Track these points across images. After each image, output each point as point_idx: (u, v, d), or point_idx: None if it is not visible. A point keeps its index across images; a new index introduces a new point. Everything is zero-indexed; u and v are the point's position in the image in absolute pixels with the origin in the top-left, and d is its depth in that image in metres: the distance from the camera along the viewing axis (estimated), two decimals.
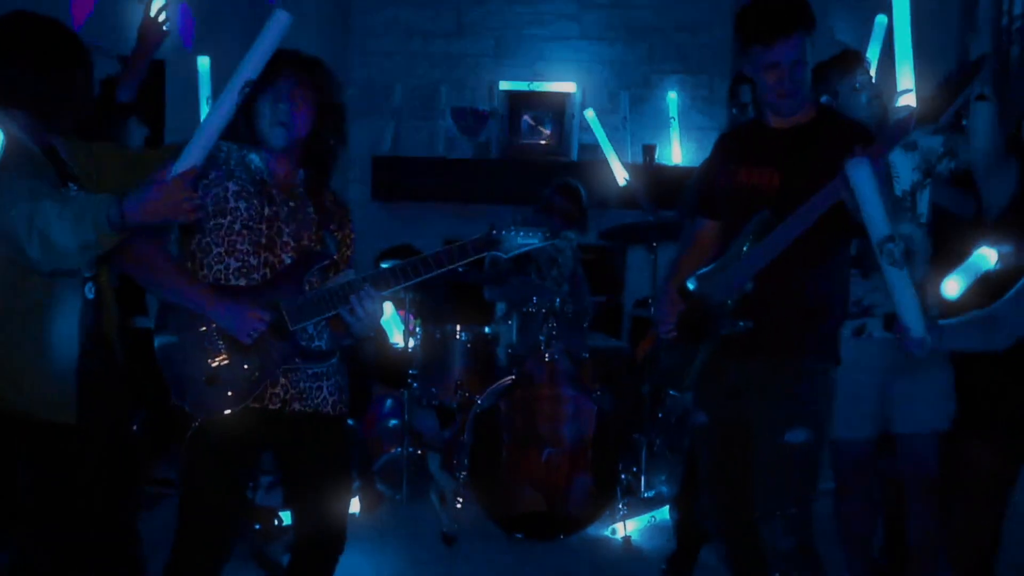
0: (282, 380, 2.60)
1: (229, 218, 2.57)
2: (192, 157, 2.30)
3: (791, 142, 2.70)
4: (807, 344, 2.71)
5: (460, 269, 2.56)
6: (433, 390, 4.66)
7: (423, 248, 5.93)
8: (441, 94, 6.36)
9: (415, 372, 4.66)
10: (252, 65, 2.30)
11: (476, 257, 2.55)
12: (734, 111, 3.82)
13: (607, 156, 5.02)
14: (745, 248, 2.67)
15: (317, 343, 2.66)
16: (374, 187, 6.29)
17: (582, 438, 4.17)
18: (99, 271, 2.63)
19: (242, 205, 2.58)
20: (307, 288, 2.58)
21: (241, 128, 2.61)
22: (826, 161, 2.55)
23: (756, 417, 2.71)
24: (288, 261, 2.57)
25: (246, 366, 2.52)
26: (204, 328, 2.53)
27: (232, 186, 2.58)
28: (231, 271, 2.56)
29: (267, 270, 2.56)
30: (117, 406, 2.65)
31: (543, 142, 6.27)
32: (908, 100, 3.06)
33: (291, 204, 2.64)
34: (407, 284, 2.55)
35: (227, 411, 2.52)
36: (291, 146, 2.61)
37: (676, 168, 6.17)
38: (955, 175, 3.19)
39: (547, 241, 2.60)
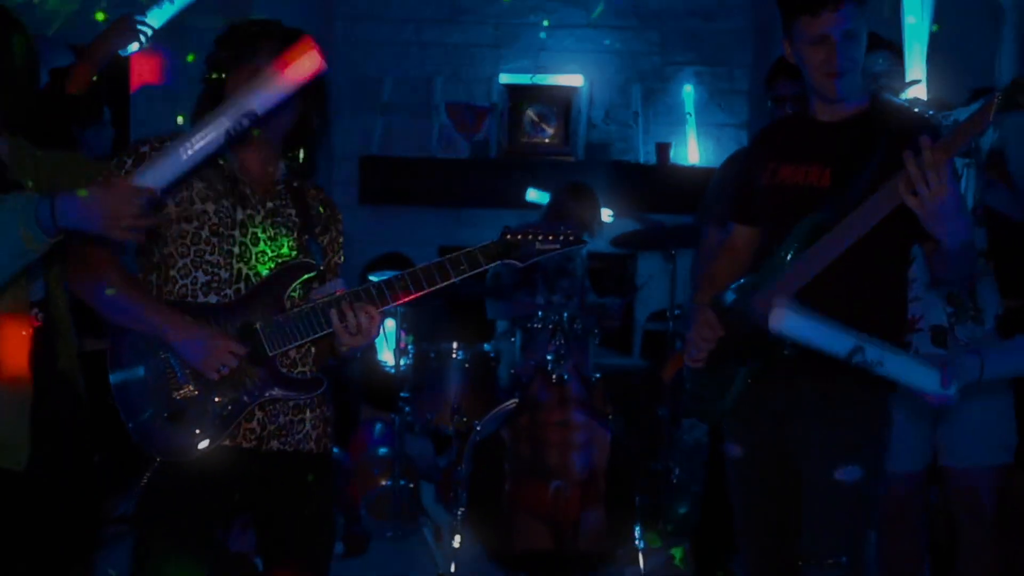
0: (258, 414, 2.44)
1: (196, 223, 2.40)
2: (154, 178, 2.16)
3: (843, 136, 2.58)
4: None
5: (457, 280, 2.42)
6: (427, 415, 4.57)
7: (415, 257, 6.09)
8: (435, 88, 6.33)
9: (407, 395, 4.58)
10: (262, 97, 2.17)
11: (489, 267, 2.42)
12: (769, 104, 3.70)
13: None
14: (789, 257, 2.54)
15: (300, 369, 2.51)
16: (362, 190, 6.25)
17: (594, 468, 4.09)
18: (51, 294, 2.48)
19: (210, 208, 2.42)
20: (288, 305, 2.43)
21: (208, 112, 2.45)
22: (884, 157, 2.45)
23: (802, 451, 2.60)
24: (265, 273, 2.43)
25: (217, 399, 2.37)
26: (165, 354, 2.37)
27: (199, 185, 2.42)
28: (199, 286, 2.40)
29: (241, 284, 2.41)
30: (78, 449, 2.50)
31: (547, 140, 6.24)
32: (918, 92, 3.01)
33: (269, 205, 2.50)
34: (410, 299, 2.40)
35: (195, 454, 2.36)
36: (270, 133, 2.46)
37: (693, 169, 6.14)
38: (993, 153, 3.15)
39: (571, 247, 2.46)
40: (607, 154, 6.29)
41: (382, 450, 4.82)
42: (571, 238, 2.46)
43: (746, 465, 2.72)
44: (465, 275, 2.39)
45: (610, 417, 4.27)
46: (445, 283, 2.39)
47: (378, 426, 4.97)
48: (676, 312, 4.56)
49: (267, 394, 2.41)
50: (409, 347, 4.66)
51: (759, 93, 5.76)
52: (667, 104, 6.33)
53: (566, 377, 4.16)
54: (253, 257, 2.43)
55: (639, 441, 4.62)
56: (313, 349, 2.53)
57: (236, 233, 2.42)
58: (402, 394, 4.59)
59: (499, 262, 2.41)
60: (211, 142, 2.17)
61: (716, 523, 3.78)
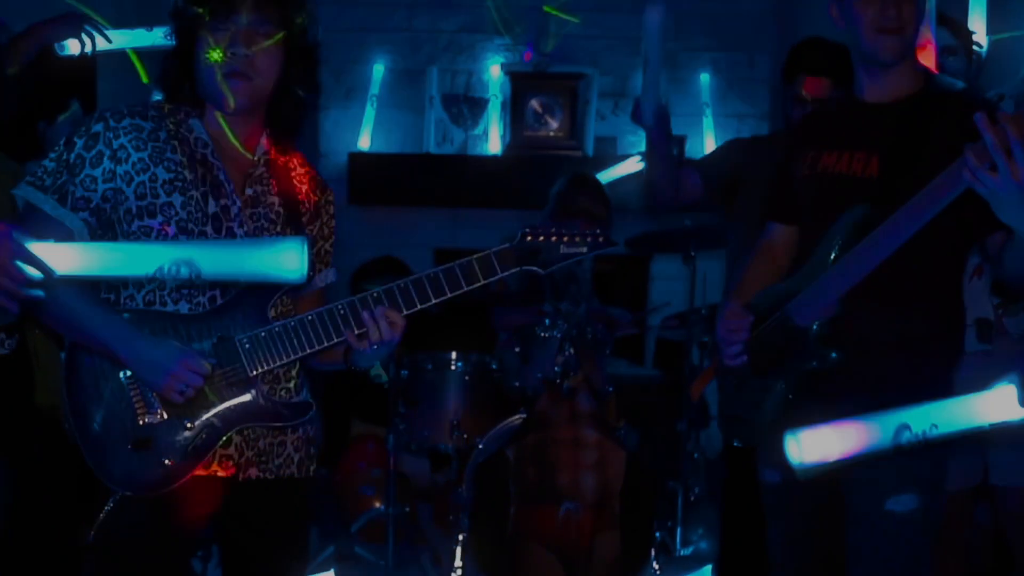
0: (236, 439, 2.31)
1: (160, 219, 2.24)
2: (62, 260, 1.98)
3: (893, 119, 2.49)
4: (915, 382, 2.46)
5: (466, 289, 2.30)
6: (424, 432, 4.48)
7: (409, 261, 5.98)
8: (430, 78, 6.32)
9: (401, 410, 4.51)
10: None
11: (506, 275, 2.29)
12: (793, 109, 3.55)
13: None
14: (833, 256, 2.44)
15: (285, 386, 2.38)
16: (350, 189, 6.21)
17: (608, 490, 4.02)
18: (26, 316, 2.36)
19: (177, 201, 2.26)
20: (271, 315, 2.29)
21: (176, 81, 2.31)
22: (941, 143, 2.35)
23: (848, 477, 2.48)
24: None
25: (188, 425, 2.23)
26: (128, 372, 2.23)
27: (163, 173, 2.27)
28: (167, 292, 2.26)
29: (216, 291, 2.27)
30: (59, 500, 2.39)
31: (552, 134, 6.23)
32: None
33: (248, 192, 2.35)
34: (415, 311, 2.28)
35: (163, 488, 2.22)
36: (251, 105, 2.31)
37: None
38: None
39: (601, 249, 2.34)
40: (616, 148, 6.24)
41: (375, 471, 4.74)
42: (601, 239, 2.34)
43: (785, 493, 2.62)
44: (477, 285, 2.27)
45: (623, 431, 4.22)
46: (455, 293, 2.27)
47: (370, 444, 4.90)
48: (703, 312, 4.50)
49: (245, 422, 2.28)
50: (403, 357, 4.60)
51: (780, 85, 5.77)
52: (682, 93, 6.28)
53: (577, 391, 4.10)
54: None
55: (654, 458, 4.59)
56: (299, 365, 2.40)
57: (208, 230, 2.27)
58: (396, 409, 4.52)
59: (518, 268, 2.28)
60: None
61: (738, 548, 3.81)
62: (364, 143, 6.26)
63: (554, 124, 6.22)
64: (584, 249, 2.32)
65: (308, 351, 2.26)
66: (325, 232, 2.47)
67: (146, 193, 2.23)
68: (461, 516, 4.11)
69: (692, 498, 4.61)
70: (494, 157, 6.25)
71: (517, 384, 4.45)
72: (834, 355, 2.42)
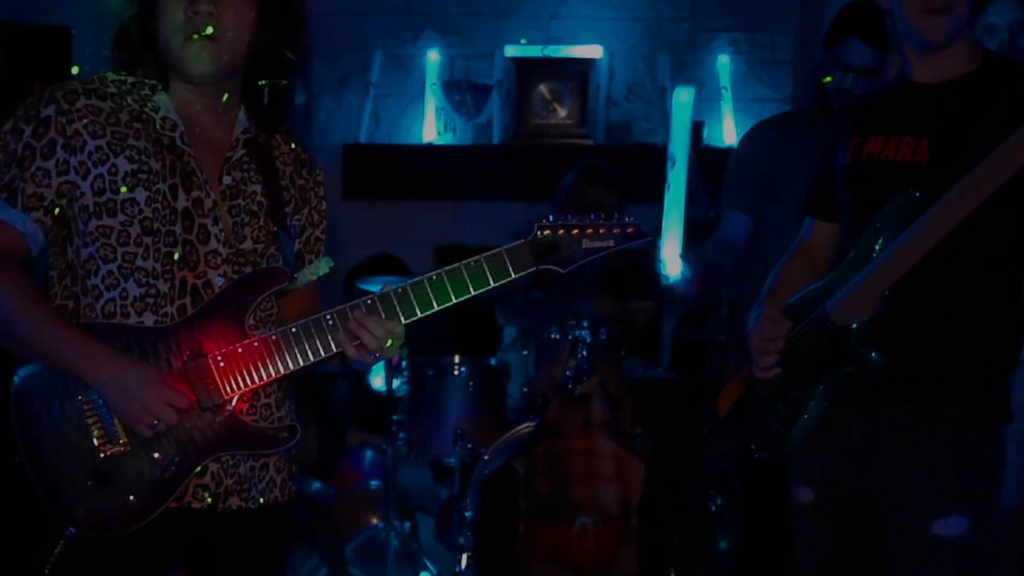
0: (213, 467, 2.15)
1: (122, 218, 2.07)
2: None
3: (946, 101, 2.39)
4: (968, 389, 2.41)
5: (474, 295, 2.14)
6: (425, 442, 4.44)
7: (408, 259, 6.00)
8: (430, 64, 6.24)
9: (401, 418, 4.46)
10: None
11: (521, 276, 2.12)
12: (833, 76, 3.44)
13: None
14: (878, 246, 2.34)
15: (266, 402, 2.21)
16: (346, 183, 6.18)
17: (626, 504, 3.95)
18: None
19: (141, 196, 2.09)
20: (250, 322, 2.13)
21: (135, 49, 2.14)
22: (998, 124, 2.24)
23: (890, 496, 2.42)
24: (219, 283, 2.12)
25: (157, 455, 2.06)
26: (87, 396, 2.06)
27: (124, 164, 2.09)
28: (130, 302, 2.08)
29: (187, 299, 2.10)
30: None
31: (561, 122, 6.16)
32: None
33: (225, 181, 2.17)
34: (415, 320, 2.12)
35: (127, 527, 2.06)
36: (220, 71, 2.14)
37: (729, 151, 5.78)
38: None
39: (630, 243, 2.16)
40: (630, 136, 6.21)
41: (373, 483, 4.70)
42: (630, 230, 2.16)
43: (818, 513, 2.57)
44: (487, 289, 2.11)
45: (640, 439, 4.14)
46: (461, 299, 2.10)
47: (368, 454, 4.88)
48: (725, 312, 4.48)
49: (221, 450, 2.12)
50: (403, 362, 4.54)
51: (805, 63, 5.78)
52: (699, 77, 6.19)
53: (592, 397, 4.04)
54: (202, 260, 2.11)
55: (672, 466, 4.47)
56: (285, 383, 2.25)
57: (178, 228, 2.10)
58: (395, 416, 4.45)
59: (534, 268, 2.12)
60: None
61: (759, 565, 3.80)
62: (360, 134, 6.25)
63: (563, 111, 6.17)
64: (611, 243, 2.15)
65: (292, 369, 2.11)
66: (315, 218, 2.31)
67: (105, 188, 2.06)
68: (465, 533, 4.04)
69: (713, 508, 4.53)
70: (499, 147, 6.22)
71: (526, 390, 4.44)
72: (875, 356, 2.33)
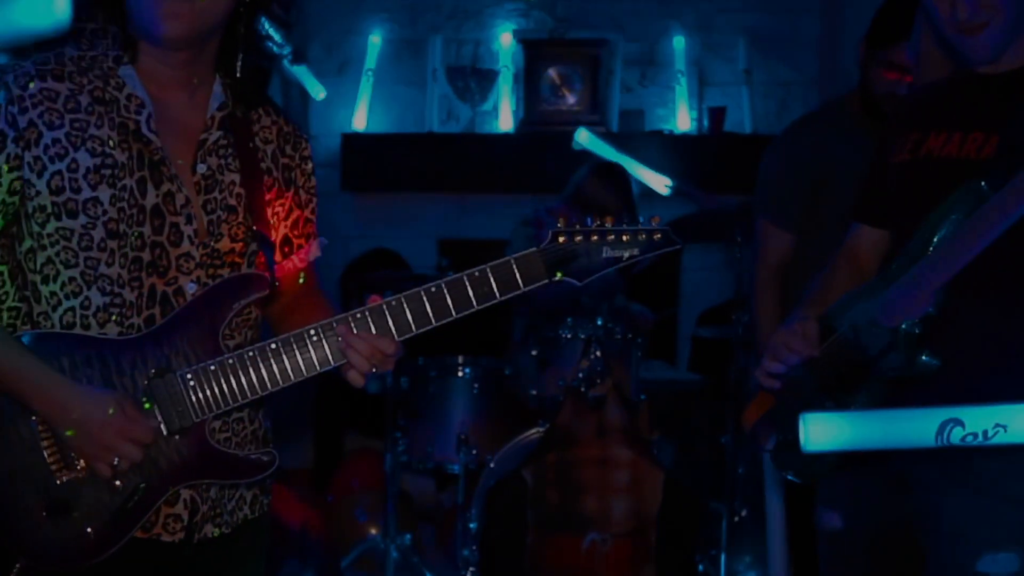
0: (184, 494, 2.01)
1: (84, 219, 1.93)
2: None
3: (1013, 91, 2.30)
4: None
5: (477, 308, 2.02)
6: (427, 448, 4.44)
7: (409, 254, 5.94)
8: (432, 48, 6.21)
9: (402, 423, 4.47)
10: None
11: (532, 288, 1.99)
12: (884, 80, 3.33)
13: None
14: (937, 239, 2.22)
15: (238, 417, 2.08)
16: (344, 173, 6.15)
17: (643, 517, 3.94)
18: None
19: (104, 195, 1.94)
20: (224, 337, 1.99)
21: (102, 7, 1.99)
22: None
23: (931, 527, 2.34)
24: (192, 290, 1.98)
25: (119, 482, 1.92)
26: (39, 419, 1.92)
27: (85, 158, 1.94)
28: (92, 312, 1.94)
29: (155, 309, 1.96)
30: None
31: (571, 108, 6.11)
32: None
33: (199, 170, 2.02)
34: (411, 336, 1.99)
35: (88, 560, 1.92)
36: (193, 34, 1.97)
37: (752, 137, 6.00)
38: None
39: (657, 251, 2.02)
40: (644, 124, 6.16)
41: (371, 492, 4.68)
42: (657, 236, 2.01)
43: (847, 542, 2.51)
44: (493, 303, 1.97)
45: (657, 446, 4.19)
46: (463, 314, 1.97)
47: (366, 461, 4.89)
48: (744, 318, 4.31)
49: (190, 478, 1.98)
50: (404, 362, 4.51)
51: (831, 44, 5.88)
52: (718, 60, 6.21)
53: (606, 401, 4.02)
54: (173, 265, 1.97)
55: (693, 475, 4.49)
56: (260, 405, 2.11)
57: (146, 230, 1.95)
58: (396, 420, 4.47)
59: (547, 280, 1.98)
60: None
61: None
62: (359, 123, 6.18)
63: (573, 98, 6.11)
64: (636, 251, 2.00)
65: (271, 390, 1.97)
66: (302, 198, 2.15)
67: (64, 186, 1.91)
68: (470, 545, 4.07)
69: (736, 519, 4.47)
70: (505, 136, 6.17)
71: (535, 393, 4.43)
72: (925, 358, 2.24)
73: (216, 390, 1.93)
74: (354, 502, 4.65)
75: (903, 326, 2.24)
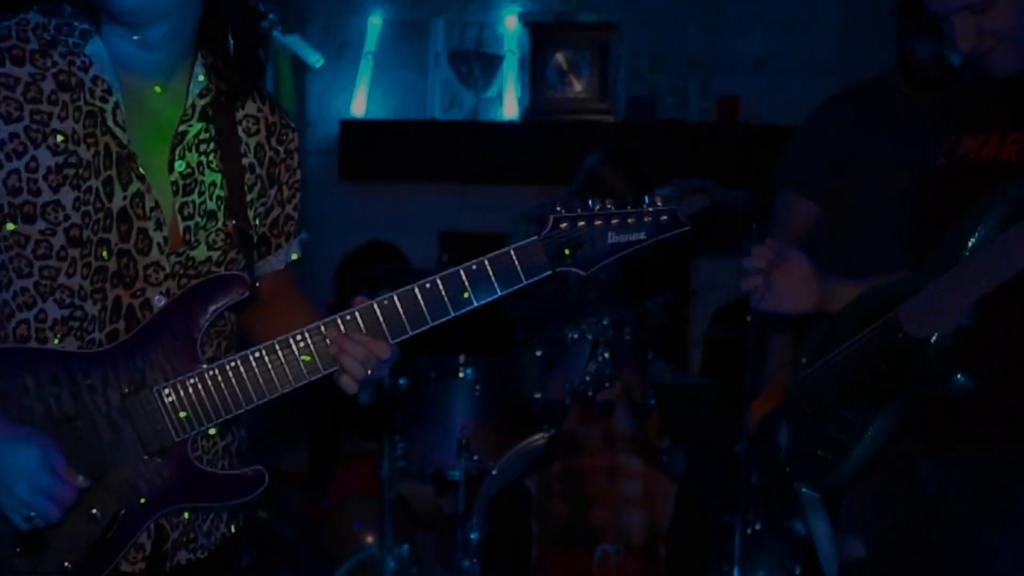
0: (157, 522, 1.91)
1: (43, 225, 1.80)
2: None
3: None
4: None
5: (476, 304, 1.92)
6: (426, 452, 4.39)
7: (408, 247, 5.84)
8: (434, 32, 6.19)
9: (400, 425, 4.41)
10: None
11: (534, 281, 1.89)
12: (925, 44, 3.30)
13: None
14: (972, 243, 2.15)
15: (217, 442, 1.97)
16: (341, 162, 6.16)
17: (654, 530, 3.88)
18: None
19: (68, 197, 1.80)
20: (202, 346, 1.86)
21: None
22: None
23: (964, 556, 2.29)
24: (160, 303, 1.85)
25: (95, 511, 1.80)
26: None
27: (46, 156, 1.79)
28: (48, 325, 1.82)
29: (120, 323, 1.84)
30: None
31: (578, 96, 6.08)
32: None
33: (177, 168, 1.88)
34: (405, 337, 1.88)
35: None
36: (161, 13, 1.81)
37: (767, 128, 5.94)
38: None
39: (665, 234, 1.92)
40: (654, 112, 6.14)
41: (367, 498, 4.59)
42: (664, 218, 1.90)
43: (871, 571, 2.45)
44: (493, 298, 1.86)
45: (667, 454, 4.12)
46: (460, 312, 1.86)
47: (363, 465, 4.81)
48: (759, 318, 4.18)
49: (175, 502, 1.86)
50: (401, 360, 4.37)
51: (850, 32, 5.82)
52: (732, 47, 6.16)
53: (615, 406, 3.96)
54: (140, 275, 1.85)
55: (705, 484, 4.42)
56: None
57: (112, 236, 1.81)
58: (393, 424, 4.40)
59: (550, 271, 1.88)
60: None
61: None
62: (358, 108, 6.16)
63: (581, 84, 6.07)
64: (642, 235, 1.88)
65: (257, 403, 1.85)
66: (284, 195, 2.03)
67: (22, 187, 1.77)
68: (471, 557, 4.01)
69: (749, 531, 4.34)
70: (510, 124, 6.16)
71: (539, 396, 4.38)
72: (961, 378, 2.16)
73: (197, 405, 1.81)
74: (350, 508, 4.59)
75: (933, 338, 2.17)
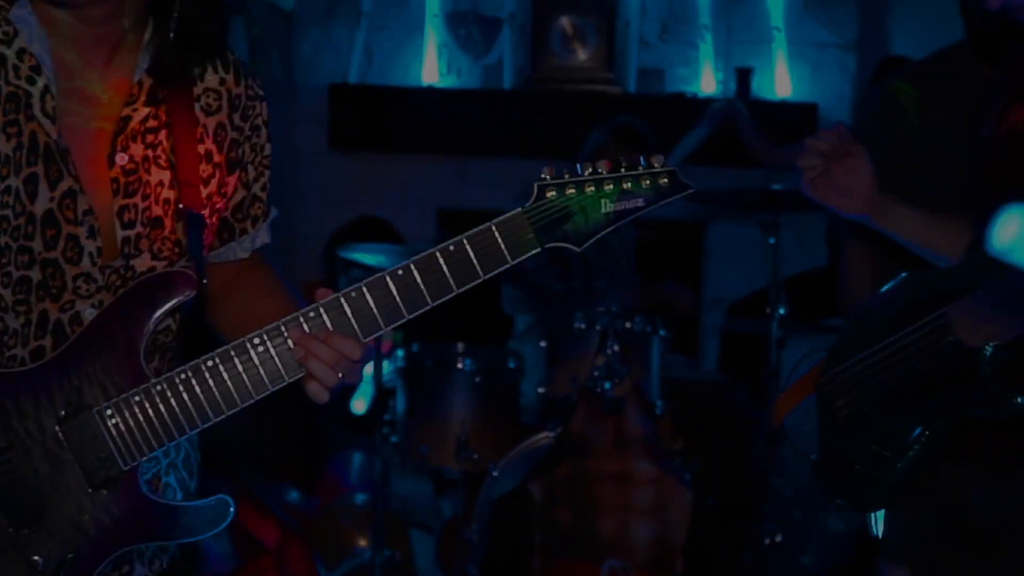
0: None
1: None
2: None
3: None
4: None
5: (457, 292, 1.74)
6: (421, 448, 4.29)
7: (403, 224, 5.79)
8: None
9: (389, 417, 4.39)
10: None
11: (521, 261, 1.70)
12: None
13: None
14: None
15: (179, 477, 1.80)
16: (332, 131, 6.12)
17: (667, 544, 3.81)
18: None
19: None
20: (146, 356, 1.67)
21: None
22: None
23: None
24: (90, 316, 1.67)
25: (37, 558, 1.63)
26: None
27: None
28: None
29: (46, 340, 1.67)
30: None
31: (584, 64, 6.02)
32: None
33: (121, 161, 1.68)
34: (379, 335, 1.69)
35: None
36: None
37: (783, 104, 5.94)
38: None
39: (667, 198, 1.75)
40: (665, 84, 6.09)
41: (360, 496, 4.48)
42: (664, 181, 1.70)
43: None
44: (476, 283, 1.66)
45: (681, 459, 4.03)
46: (440, 301, 1.66)
47: (356, 461, 4.71)
48: (780, 311, 4.14)
49: (130, 541, 1.68)
50: (397, 351, 4.49)
51: (875, 2, 5.82)
52: (747, 16, 6.09)
53: (626, 405, 3.88)
54: (69, 287, 1.67)
55: (721, 495, 4.28)
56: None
57: (36, 244, 1.63)
58: (386, 416, 4.38)
59: (539, 249, 1.70)
60: None
61: None
62: (350, 73, 6.11)
63: (586, 52, 6.02)
64: (640, 201, 1.71)
65: (215, 419, 1.67)
66: (250, 175, 1.83)
67: None
68: (470, 564, 3.90)
69: (767, 541, 4.24)
70: (511, 93, 6.11)
71: (542, 391, 4.29)
72: (1020, 400, 2.02)
73: (145, 426, 1.63)
74: (341, 508, 4.44)
75: (988, 350, 2.02)
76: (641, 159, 1.72)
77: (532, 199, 1.66)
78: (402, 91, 6.05)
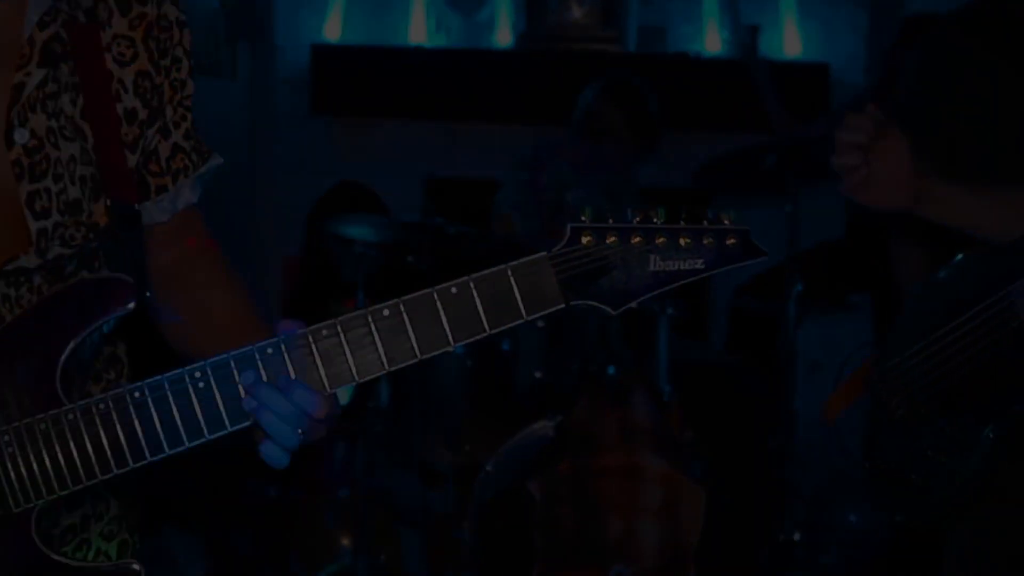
0: None
1: None
2: None
3: None
4: None
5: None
6: (409, 439, 4.25)
7: (387, 192, 5.67)
8: None
9: (373, 404, 4.20)
10: None
11: (539, 316, 1.48)
12: None
13: None
14: None
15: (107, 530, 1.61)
16: (314, 94, 6.06)
17: (679, 547, 3.71)
18: None
19: None
20: (61, 380, 1.45)
21: None
22: None
23: None
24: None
25: None
26: None
27: None
28: None
29: None
30: None
31: (580, 21, 6.00)
32: None
33: (20, 140, 1.45)
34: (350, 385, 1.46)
35: None
36: None
37: (792, 64, 5.87)
38: None
39: (731, 265, 1.53)
40: (666, 43, 6.07)
41: (343, 491, 4.32)
42: (732, 242, 1.49)
43: None
44: (480, 338, 1.44)
45: (694, 453, 3.92)
46: (430, 355, 1.42)
47: (338, 452, 4.50)
48: (798, 288, 4.10)
49: None
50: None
51: None
52: None
53: (632, 395, 3.81)
54: None
55: (733, 489, 4.17)
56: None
57: None
58: (369, 404, 4.21)
59: (563, 305, 1.48)
60: None
61: None
62: (332, 32, 6.08)
63: (582, 9, 6.00)
64: (700, 263, 1.47)
65: (134, 465, 1.44)
66: (168, 117, 1.58)
67: None
68: (463, 568, 3.87)
69: (783, 538, 4.25)
70: (504, 52, 6.12)
71: (539, 376, 4.21)
72: None
73: (47, 463, 1.42)
74: (324, 503, 4.29)
75: None
76: (709, 212, 1.49)
77: (563, 243, 1.43)
78: (388, 51, 6.02)
